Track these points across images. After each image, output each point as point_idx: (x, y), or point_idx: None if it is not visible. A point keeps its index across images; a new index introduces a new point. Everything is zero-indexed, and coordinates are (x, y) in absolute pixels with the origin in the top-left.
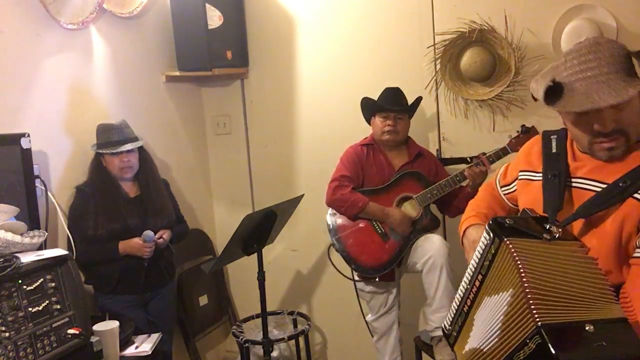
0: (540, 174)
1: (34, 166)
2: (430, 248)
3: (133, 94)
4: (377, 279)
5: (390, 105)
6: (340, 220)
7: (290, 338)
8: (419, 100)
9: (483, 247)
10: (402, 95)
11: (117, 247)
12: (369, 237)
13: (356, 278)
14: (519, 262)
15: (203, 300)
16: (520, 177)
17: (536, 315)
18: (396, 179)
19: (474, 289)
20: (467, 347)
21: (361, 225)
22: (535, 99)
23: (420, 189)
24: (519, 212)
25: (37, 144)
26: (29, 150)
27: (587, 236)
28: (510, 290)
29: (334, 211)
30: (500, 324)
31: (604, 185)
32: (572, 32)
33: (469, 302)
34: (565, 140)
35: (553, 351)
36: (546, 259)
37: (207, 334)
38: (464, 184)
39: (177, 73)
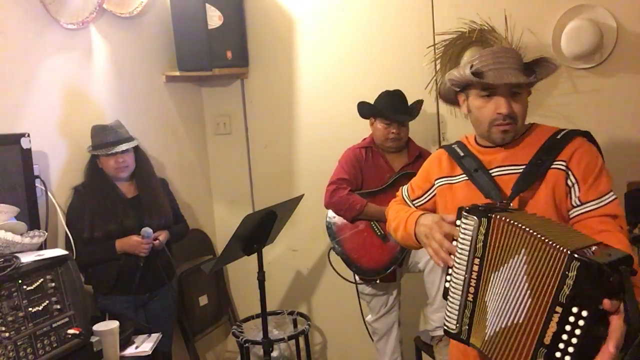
0: (459, 176)
1: (34, 166)
2: None
3: (133, 94)
4: (378, 281)
5: (396, 114)
6: (339, 223)
7: (290, 338)
8: (420, 104)
9: (469, 232)
10: (405, 100)
11: (114, 245)
12: (369, 239)
13: (357, 280)
14: (520, 225)
15: (203, 300)
16: (438, 184)
17: (562, 248)
18: (394, 180)
19: (473, 275)
20: (489, 332)
21: (361, 227)
22: (446, 98)
23: None
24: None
25: (37, 144)
26: (29, 150)
27: (527, 209)
28: (522, 251)
29: (333, 214)
30: (526, 285)
31: (520, 167)
32: (572, 32)
33: (472, 290)
34: (465, 145)
35: (598, 262)
36: (529, 220)
37: (207, 334)
38: None
39: (177, 73)
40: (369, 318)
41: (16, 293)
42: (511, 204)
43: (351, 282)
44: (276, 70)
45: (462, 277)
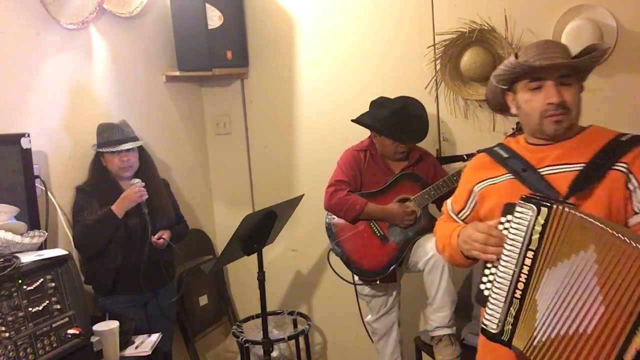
0: (503, 175)
1: (34, 166)
2: (431, 247)
3: (133, 94)
4: (377, 282)
5: (409, 138)
6: (339, 224)
7: (290, 338)
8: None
9: (524, 222)
10: (420, 123)
11: (111, 212)
12: (369, 240)
13: (357, 281)
14: (588, 218)
15: (203, 300)
16: (478, 189)
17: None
18: (393, 180)
19: (524, 270)
20: (540, 336)
21: (360, 228)
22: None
23: (417, 191)
24: None
25: (37, 144)
26: (29, 150)
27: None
28: (592, 247)
29: (333, 216)
30: (596, 289)
31: (576, 165)
32: (572, 32)
33: (520, 286)
34: (508, 147)
35: None
36: (595, 217)
37: (207, 334)
38: None
39: (177, 73)
40: (368, 318)
41: (16, 293)
42: (568, 202)
43: (350, 282)
44: (276, 70)
45: (511, 271)
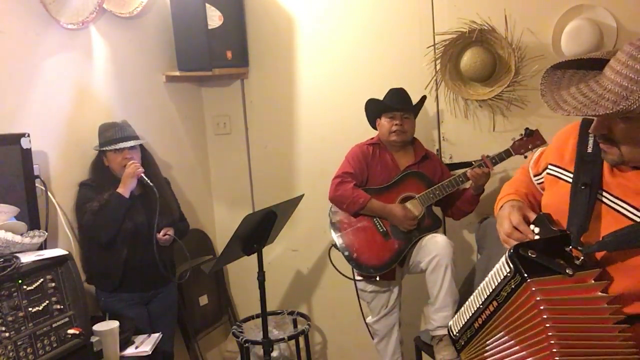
0: (569, 174)
1: (34, 166)
2: (434, 247)
3: (133, 94)
4: (377, 278)
5: (397, 104)
6: (342, 218)
7: (290, 338)
8: (423, 99)
9: (502, 275)
10: (407, 94)
11: (116, 192)
12: (371, 236)
13: (357, 278)
14: (546, 317)
15: (203, 300)
16: (549, 172)
17: None
18: (399, 178)
19: (487, 312)
20: None
21: (363, 223)
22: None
23: (422, 189)
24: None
25: (37, 144)
26: (29, 150)
27: (610, 268)
28: (536, 340)
29: (336, 209)
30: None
31: (638, 214)
32: (572, 32)
33: (480, 321)
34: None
35: None
36: (569, 306)
37: (207, 334)
38: (466, 185)
39: (177, 73)
40: (369, 319)
41: (16, 293)
42: (582, 257)
43: (350, 278)
44: (276, 70)
45: (478, 304)
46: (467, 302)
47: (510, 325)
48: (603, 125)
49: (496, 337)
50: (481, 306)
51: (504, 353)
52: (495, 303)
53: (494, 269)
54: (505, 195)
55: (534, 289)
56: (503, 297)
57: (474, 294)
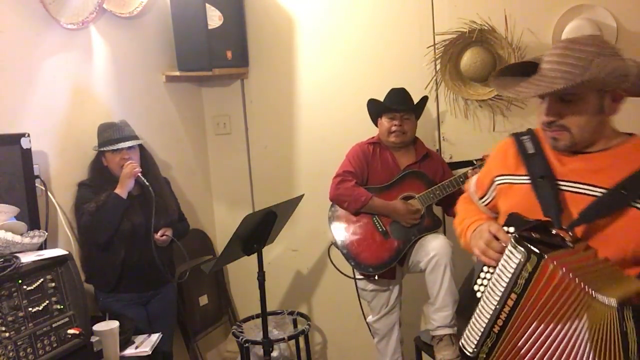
0: (523, 177)
1: (34, 166)
2: (434, 247)
3: (133, 94)
4: (376, 277)
5: (396, 104)
6: (341, 217)
7: (290, 338)
8: (425, 99)
9: (514, 264)
10: (408, 95)
11: (113, 193)
12: (370, 235)
13: (357, 276)
14: (580, 282)
15: (203, 300)
16: (498, 182)
17: (609, 302)
18: (399, 178)
19: (506, 309)
20: None
21: (362, 222)
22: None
23: (423, 189)
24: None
25: (37, 144)
26: (29, 150)
27: (592, 241)
28: (585, 316)
29: (335, 207)
30: (591, 354)
31: (597, 190)
32: (572, 32)
33: (500, 323)
34: (538, 140)
35: None
36: (591, 272)
37: (207, 334)
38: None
39: (177, 73)
40: (369, 319)
41: (16, 293)
42: (570, 234)
43: (351, 277)
44: (276, 70)
45: (493, 306)
46: (475, 313)
47: (543, 310)
48: (554, 112)
49: (529, 330)
50: (497, 306)
51: (547, 343)
52: (513, 296)
53: (499, 265)
54: (473, 222)
55: (555, 262)
56: (522, 285)
57: (482, 300)
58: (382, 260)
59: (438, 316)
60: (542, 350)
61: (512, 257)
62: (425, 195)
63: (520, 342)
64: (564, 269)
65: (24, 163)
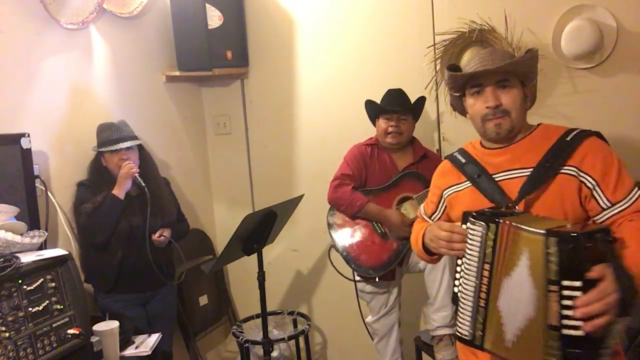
0: (464, 183)
1: (34, 166)
2: None
3: (133, 94)
4: (377, 279)
5: (393, 106)
6: (340, 219)
7: (290, 338)
8: (422, 100)
9: (478, 238)
10: (405, 95)
11: (110, 193)
12: (369, 237)
13: (357, 278)
14: (523, 226)
15: (203, 300)
16: (446, 195)
17: (538, 230)
18: (397, 179)
19: (484, 281)
20: (508, 337)
21: (361, 224)
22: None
23: (420, 189)
24: None
25: (37, 144)
26: (29, 150)
27: (533, 212)
28: (524, 250)
29: (334, 210)
30: (530, 279)
31: (526, 170)
32: (572, 32)
33: (483, 296)
34: (466, 152)
35: (570, 232)
36: (534, 220)
37: (207, 334)
38: None
39: (177, 73)
40: (368, 319)
41: (16, 293)
42: (517, 207)
43: (350, 279)
44: (276, 70)
45: (473, 283)
46: (460, 302)
47: (505, 265)
48: (496, 97)
49: (500, 288)
50: (477, 281)
51: (509, 288)
52: (487, 266)
53: (466, 249)
54: (421, 228)
55: (510, 222)
56: (490, 254)
57: (461, 287)
58: (382, 262)
59: (437, 316)
60: (508, 295)
61: (475, 234)
62: (422, 195)
63: (498, 302)
64: (515, 223)
65: (24, 163)
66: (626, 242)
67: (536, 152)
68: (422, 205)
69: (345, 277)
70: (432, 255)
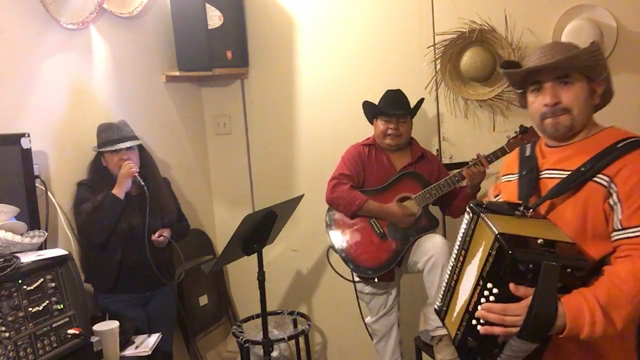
0: (516, 174)
1: (34, 166)
2: (431, 247)
3: (133, 94)
4: (376, 280)
5: (392, 109)
6: (339, 220)
7: (290, 338)
8: (420, 102)
9: (465, 226)
10: (404, 97)
11: (110, 193)
12: (368, 238)
13: (356, 279)
14: (489, 222)
15: (203, 300)
16: (502, 181)
17: (495, 229)
18: (395, 179)
19: (459, 264)
20: (455, 315)
21: (359, 225)
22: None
23: (419, 189)
24: None
25: (37, 144)
26: (29, 150)
27: (552, 215)
28: (483, 242)
29: (333, 211)
30: (476, 267)
31: (567, 172)
32: (572, 32)
33: (455, 277)
34: (535, 146)
35: (509, 250)
36: (516, 224)
37: (207, 334)
38: (463, 184)
39: (177, 73)
40: (368, 319)
41: (16, 293)
42: (531, 210)
43: (349, 280)
44: (276, 70)
45: (452, 265)
46: (445, 277)
47: (470, 255)
48: (555, 95)
49: (462, 275)
50: (454, 263)
51: (466, 280)
52: (463, 252)
53: (460, 230)
54: None
55: (485, 218)
56: (467, 242)
57: (448, 266)
58: (381, 262)
59: (437, 316)
60: (465, 279)
61: (466, 222)
62: (421, 195)
63: (459, 285)
64: (486, 219)
65: (24, 163)
66: (594, 281)
67: (585, 155)
68: (491, 187)
69: (344, 278)
70: None
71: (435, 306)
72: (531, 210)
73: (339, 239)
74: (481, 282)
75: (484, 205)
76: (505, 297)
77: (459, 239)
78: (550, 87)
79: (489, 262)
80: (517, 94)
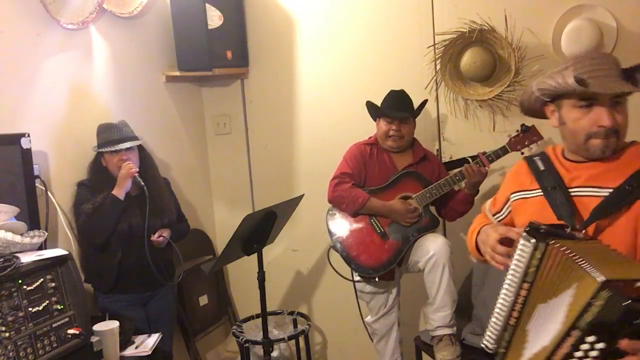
0: (536, 191)
1: (34, 166)
2: (432, 247)
3: (133, 94)
4: (376, 279)
5: (395, 111)
6: (339, 219)
7: (290, 338)
8: (424, 103)
9: (525, 255)
10: (407, 98)
11: (110, 194)
12: (369, 237)
13: (356, 279)
14: (575, 257)
15: (203, 300)
16: (513, 199)
17: (597, 276)
18: (396, 178)
19: (520, 299)
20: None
21: (360, 225)
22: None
23: (419, 189)
24: None
25: (37, 144)
26: (29, 150)
27: (602, 238)
28: (574, 285)
29: (334, 211)
30: (563, 314)
31: (605, 190)
32: (572, 32)
33: (515, 314)
34: (548, 158)
35: (627, 299)
36: (591, 254)
37: (207, 334)
38: (463, 185)
39: (177, 73)
40: (368, 319)
41: (16, 293)
42: (583, 232)
43: (350, 280)
44: (276, 70)
45: (509, 300)
46: (494, 312)
47: (545, 290)
48: (611, 117)
49: (533, 312)
50: (513, 298)
51: (542, 316)
52: (525, 285)
53: (513, 261)
54: (478, 225)
55: (561, 248)
56: (532, 273)
57: (499, 298)
58: (382, 262)
59: (437, 316)
60: (539, 321)
61: (523, 250)
62: (422, 194)
63: (527, 325)
64: (566, 250)
65: (24, 163)
66: None
67: (621, 172)
68: (488, 201)
69: (345, 278)
70: (482, 255)
71: (486, 346)
72: (583, 231)
73: (340, 239)
74: (575, 333)
75: (543, 229)
76: (610, 352)
77: (515, 267)
78: (607, 109)
79: (591, 312)
80: (532, 99)
